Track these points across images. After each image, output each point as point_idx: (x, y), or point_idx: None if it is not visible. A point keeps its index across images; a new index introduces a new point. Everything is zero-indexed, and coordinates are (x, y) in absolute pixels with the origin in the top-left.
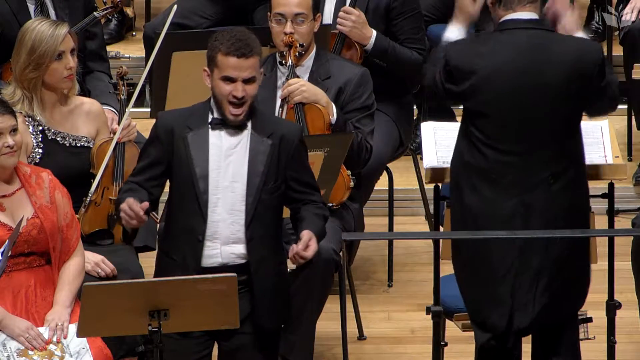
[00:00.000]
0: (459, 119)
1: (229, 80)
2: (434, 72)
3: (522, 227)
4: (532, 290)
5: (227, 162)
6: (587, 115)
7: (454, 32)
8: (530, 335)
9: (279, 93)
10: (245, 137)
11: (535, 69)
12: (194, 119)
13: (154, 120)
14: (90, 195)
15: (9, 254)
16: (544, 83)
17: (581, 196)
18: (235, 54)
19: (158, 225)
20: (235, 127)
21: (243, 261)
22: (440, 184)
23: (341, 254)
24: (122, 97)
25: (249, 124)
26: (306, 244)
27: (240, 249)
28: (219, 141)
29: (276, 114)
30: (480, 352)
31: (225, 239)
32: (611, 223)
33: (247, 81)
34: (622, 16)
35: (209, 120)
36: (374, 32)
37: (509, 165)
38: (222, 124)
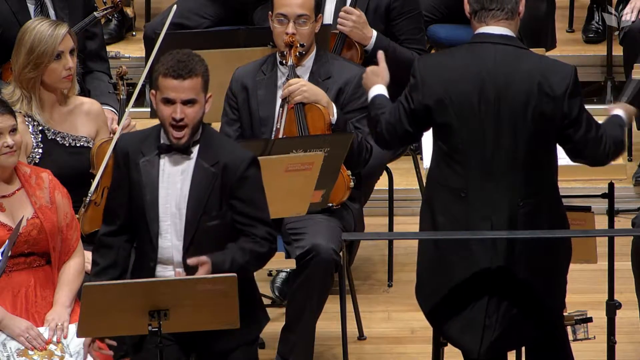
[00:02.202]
0: None
1: (169, 102)
2: (383, 118)
3: (491, 248)
4: (496, 312)
5: (175, 189)
6: (567, 154)
7: (380, 90)
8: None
9: (280, 93)
10: (191, 164)
11: (499, 85)
12: (148, 143)
13: (153, 121)
14: (90, 195)
15: (9, 254)
16: (507, 100)
17: (551, 222)
18: (172, 75)
19: None
20: (183, 153)
21: None
22: None
23: (341, 254)
24: (121, 97)
25: (196, 150)
26: (195, 264)
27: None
28: (167, 167)
29: (276, 114)
30: None
31: (177, 263)
32: (611, 223)
33: (187, 103)
34: (622, 16)
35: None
36: (375, 32)
37: (478, 182)
38: (169, 149)
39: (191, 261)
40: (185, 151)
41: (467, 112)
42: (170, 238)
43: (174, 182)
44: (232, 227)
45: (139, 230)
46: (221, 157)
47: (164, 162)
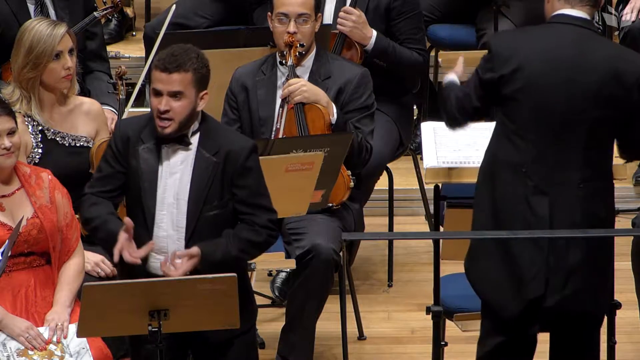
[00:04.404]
0: None
1: (157, 93)
2: (453, 94)
3: (546, 227)
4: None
5: (174, 179)
6: (620, 151)
7: (452, 77)
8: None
9: (279, 93)
10: (192, 154)
11: (572, 66)
12: (148, 131)
13: None
14: None
15: (9, 254)
16: (578, 81)
17: (602, 209)
18: (160, 67)
19: None
20: (182, 143)
21: None
22: (440, 184)
23: (341, 254)
24: (121, 97)
25: (197, 140)
26: (181, 256)
27: None
28: (167, 157)
29: (276, 114)
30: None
31: (171, 253)
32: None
33: (173, 95)
34: (622, 16)
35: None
36: (374, 32)
37: (539, 159)
38: (169, 139)
39: (180, 254)
40: (184, 141)
41: (537, 88)
42: (166, 228)
43: (173, 172)
44: (233, 216)
45: (135, 217)
46: (222, 145)
47: (164, 152)
